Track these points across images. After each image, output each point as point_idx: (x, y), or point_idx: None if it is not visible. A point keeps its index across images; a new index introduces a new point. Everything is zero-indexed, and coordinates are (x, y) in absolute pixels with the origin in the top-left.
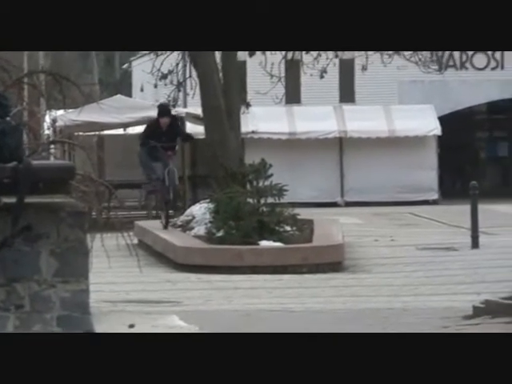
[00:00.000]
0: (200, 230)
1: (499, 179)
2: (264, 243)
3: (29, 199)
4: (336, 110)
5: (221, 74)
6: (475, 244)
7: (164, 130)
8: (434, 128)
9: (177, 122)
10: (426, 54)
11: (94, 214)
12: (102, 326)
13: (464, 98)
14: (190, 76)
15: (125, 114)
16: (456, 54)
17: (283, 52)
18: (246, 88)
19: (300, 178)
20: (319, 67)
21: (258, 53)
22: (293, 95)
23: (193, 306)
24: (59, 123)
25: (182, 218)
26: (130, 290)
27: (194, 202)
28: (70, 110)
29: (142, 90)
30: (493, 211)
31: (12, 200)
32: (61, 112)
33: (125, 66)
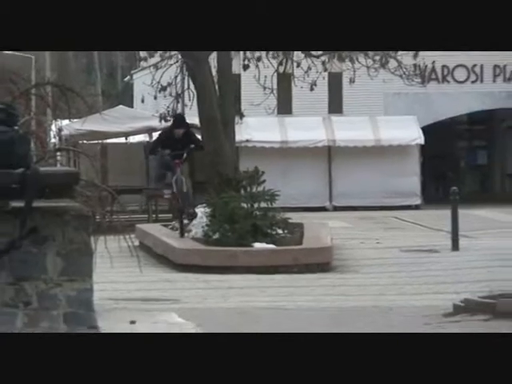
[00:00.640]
0: (197, 232)
1: (478, 186)
2: (257, 245)
3: (36, 203)
4: (325, 120)
5: (217, 87)
6: (455, 246)
7: (177, 138)
8: (417, 137)
9: (191, 132)
10: (410, 67)
11: (97, 217)
12: (104, 323)
13: (445, 110)
14: (188, 88)
15: (126, 124)
16: (438, 67)
17: (275, 65)
18: (240, 99)
19: (291, 184)
20: (309, 80)
21: (252, 66)
22: (284, 106)
23: (190, 303)
24: (65, 132)
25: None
26: (131, 289)
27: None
28: (75, 120)
29: (142, 101)
30: (472, 216)
31: (20, 204)
32: (66, 122)
33: (126, 78)
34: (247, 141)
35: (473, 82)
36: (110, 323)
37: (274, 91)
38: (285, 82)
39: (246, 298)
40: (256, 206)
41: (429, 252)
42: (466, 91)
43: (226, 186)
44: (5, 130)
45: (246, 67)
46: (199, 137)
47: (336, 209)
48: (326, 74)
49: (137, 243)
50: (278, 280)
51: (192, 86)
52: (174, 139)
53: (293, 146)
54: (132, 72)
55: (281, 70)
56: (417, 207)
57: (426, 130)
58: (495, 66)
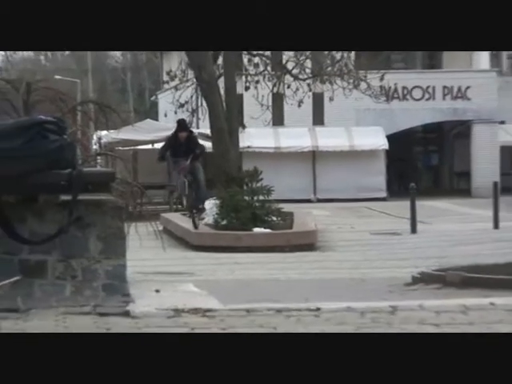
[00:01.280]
0: (209, 219)
1: (431, 182)
2: (257, 229)
3: (80, 197)
4: (310, 130)
5: (224, 104)
6: (414, 230)
7: (182, 142)
8: (382, 144)
9: (194, 136)
10: (377, 88)
11: (129, 208)
12: (135, 291)
13: (405, 122)
14: (202, 105)
15: (152, 134)
16: (399, 88)
17: (271, 87)
18: (242, 114)
19: (283, 181)
20: (297, 98)
21: (252, 88)
22: (278, 119)
23: (204, 276)
24: (103, 140)
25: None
26: (156, 265)
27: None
28: (112, 131)
29: (165, 115)
30: (427, 206)
31: (68, 198)
32: (105, 132)
33: (152, 97)
34: (248, 147)
35: (427, 99)
36: (139, 291)
37: (270, 107)
38: (278, 100)
39: (248, 272)
40: (255, 198)
41: (393, 234)
42: (421, 107)
43: (232, 183)
44: (56, 139)
45: (247, 88)
46: (201, 142)
47: (319, 200)
48: (310, 94)
49: (161, 228)
50: (274, 257)
51: (204, 104)
52: (179, 143)
53: (284, 151)
54: (157, 93)
55: (275, 90)
56: (383, 199)
57: (389, 138)
58: (444, 87)
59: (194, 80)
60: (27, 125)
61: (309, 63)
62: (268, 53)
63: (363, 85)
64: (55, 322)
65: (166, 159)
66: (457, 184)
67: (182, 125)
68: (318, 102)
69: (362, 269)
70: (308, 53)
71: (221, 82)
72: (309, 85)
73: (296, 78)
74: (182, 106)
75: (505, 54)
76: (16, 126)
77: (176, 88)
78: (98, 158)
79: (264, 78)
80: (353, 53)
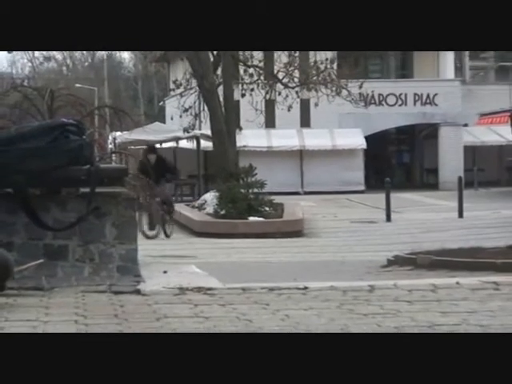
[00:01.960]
0: (210, 209)
1: (404, 177)
2: (251, 218)
3: (98, 189)
4: (298, 132)
5: (223, 109)
6: (388, 219)
7: (152, 165)
8: (361, 144)
9: (162, 158)
10: (357, 95)
11: (140, 199)
12: (145, 272)
13: (381, 124)
14: (203, 110)
15: (161, 135)
16: (376, 95)
17: (264, 94)
18: (239, 117)
19: (275, 176)
20: (287, 104)
21: (247, 94)
22: (270, 122)
23: (205, 259)
24: (118, 140)
25: (198, 201)
26: (164, 249)
27: (206, 191)
28: (125, 132)
29: (171, 119)
30: (399, 198)
31: (86, 190)
32: (119, 133)
33: (160, 103)
34: (244, 146)
35: (399, 105)
36: (149, 272)
37: (263, 112)
38: (270, 105)
39: (244, 255)
40: (250, 191)
41: (370, 223)
42: (395, 112)
43: (230, 178)
44: (76, 139)
45: (243, 95)
46: (203, 142)
47: (306, 193)
48: (298, 100)
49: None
50: (266, 243)
51: (206, 108)
52: (150, 165)
53: (275, 150)
54: (164, 99)
55: (267, 97)
56: (361, 192)
57: (367, 138)
58: (415, 94)
59: (197, 88)
60: (51, 127)
61: (297, 73)
62: (261, 64)
63: (344, 92)
64: (75, 298)
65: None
66: (426, 179)
67: (150, 149)
68: (305, 107)
69: (343, 252)
70: (296, 64)
71: (220, 90)
72: (297, 92)
73: (286, 86)
74: (186, 110)
75: (467, 65)
76: (41, 128)
77: (181, 95)
78: (113, 155)
79: (258, 86)
80: (335, 63)
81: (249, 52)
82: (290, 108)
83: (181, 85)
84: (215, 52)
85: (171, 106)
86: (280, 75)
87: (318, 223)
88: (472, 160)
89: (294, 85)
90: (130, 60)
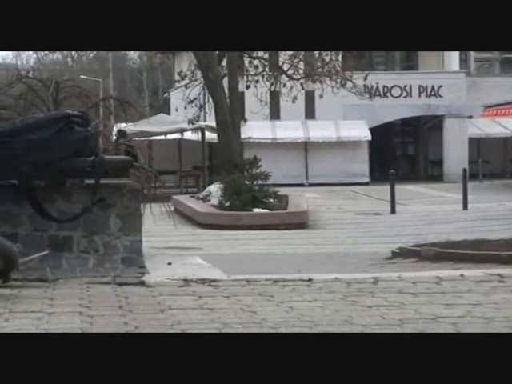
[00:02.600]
0: (214, 201)
1: (409, 169)
2: (256, 210)
3: (102, 181)
4: (303, 123)
5: (228, 100)
6: (393, 210)
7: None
8: (366, 135)
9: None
10: (362, 87)
11: (145, 190)
12: (149, 264)
13: (385, 116)
14: (208, 101)
15: (165, 126)
16: (380, 87)
17: (268, 85)
18: (244, 109)
19: (279, 168)
20: (292, 96)
21: (252, 86)
22: (275, 114)
23: (209, 250)
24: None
25: (203, 193)
26: (168, 240)
27: (211, 183)
28: (130, 123)
29: (176, 110)
30: (404, 190)
31: (91, 181)
32: (124, 124)
33: (165, 94)
34: (249, 138)
35: (404, 97)
36: (153, 264)
37: (268, 103)
38: (275, 97)
39: (248, 247)
40: (255, 183)
41: (375, 214)
42: (399, 103)
43: (234, 169)
44: (81, 130)
45: (248, 87)
46: (208, 133)
47: (310, 185)
48: (303, 92)
49: (172, 209)
50: (270, 234)
51: (211, 100)
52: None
53: (280, 142)
54: (169, 90)
55: (272, 88)
56: (366, 184)
57: (372, 130)
58: (420, 86)
59: (202, 79)
60: (56, 118)
61: (302, 65)
62: (266, 55)
63: (349, 84)
64: (79, 290)
65: None
66: (431, 171)
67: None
68: (309, 98)
69: (347, 244)
70: (301, 56)
71: (225, 82)
72: (302, 84)
73: (291, 77)
74: (191, 102)
75: (472, 57)
76: (46, 119)
77: (186, 86)
78: (118, 147)
79: (263, 77)
80: (340, 55)
81: None
82: (294, 100)
83: (186, 76)
84: None
85: (176, 97)
86: (285, 67)
87: (323, 215)
88: (477, 152)
89: (299, 76)
90: (135, 52)
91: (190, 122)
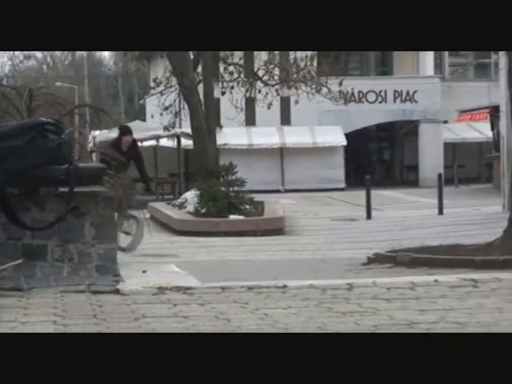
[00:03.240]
0: (190, 208)
1: (384, 174)
2: (232, 217)
3: (76, 189)
4: (278, 130)
5: (203, 107)
6: (369, 216)
7: (123, 151)
8: (341, 141)
9: (137, 144)
10: (337, 93)
11: (119, 198)
12: (124, 272)
13: (361, 122)
14: (184, 108)
15: (141, 133)
16: (356, 92)
17: (244, 92)
18: (219, 115)
19: (255, 174)
20: (267, 102)
21: (227, 92)
22: (250, 120)
23: (185, 257)
24: (98, 139)
25: (179, 200)
26: (144, 248)
27: (187, 189)
28: (105, 131)
29: (152, 117)
30: (380, 195)
31: (65, 189)
32: (98, 132)
33: (141, 101)
34: (225, 144)
35: (379, 102)
36: (128, 272)
37: (243, 110)
38: (250, 103)
39: (224, 254)
40: (231, 189)
41: (350, 220)
42: (375, 109)
43: (210, 176)
44: (55, 138)
45: (223, 93)
46: (184, 140)
47: (286, 191)
48: (278, 98)
49: (148, 216)
50: (246, 241)
51: (186, 107)
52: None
53: (256, 148)
54: (145, 97)
55: (247, 95)
56: (342, 189)
57: (347, 135)
58: (395, 91)
59: (177, 86)
60: (29, 126)
61: (277, 71)
62: (242, 62)
63: (324, 89)
64: (54, 299)
65: None
66: (406, 176)
67: (124, 130)
68: (285, 104)
69: (323, 250)
70: (276, 62)
71: (200, 88)
72: (277, 90)
73: (266, 83)
74: (166, 108)
75: (447, 62)
76: (20, 127)
77: (161, 93)
78: (93, 154)
79: (238, 84)
80: (315, 61)
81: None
82: (270, 106)
83: (161, 83)
84: None
85: (152, 104)
86: (260, 73)
87: (299, 221)
88: (452, 157)
89: (274, 82)
90: (111, 58)
91: (166, 128)
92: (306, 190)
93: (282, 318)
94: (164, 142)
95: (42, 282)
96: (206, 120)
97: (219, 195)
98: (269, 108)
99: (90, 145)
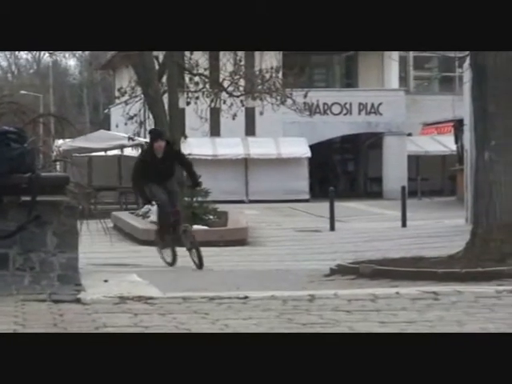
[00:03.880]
0: (154, 217)
1: (348, 186)
2: (196, 227)
3: (39, 198)
4: (243, 140)
5: (168, 117)
6: (332, 228)
7: (159, 158)
8: (306, 152)
9: (174, 148)
10: (301, 104)
11: (82, 207)
12: (86, 282)
13: (326, 133)
14: (148, 117)
15: (106, 142)
16: (321, 104)
17: (209, 102)
18: (184, 126)
19: (219, 184)
20: (232, 112)
21: (192, 102)
22: (215, 130)
23: (148, 267)
24: (62, 148)
25: (143, 210)
26: (107, 257)
27: None
28: (68, 140)
29: (117, 126)
30: (344, 207)
31: (28, 198)
32: (61, 141)
33: (106, 110)
34: (189, 154)
35: (344, 114)
36: (90, 281)
37: (208, 120)
38: (215, 114)
39: (186, 264)
40: (195, 199)
41: (314, 231)
42: (339, 121)
43: None
44: (18, 147)
45: (188, 103)
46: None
47: (251, 202)
48: (243, 109)
49: (112, 225)
50: (209, 251)
51: (151, 116)
52: (156, 160)
53: (221, 158)
54: (110, 106)
55: (212, 105)
56: (306, 200)
57: (312, 147)
58: (360, 104)
59: (142, 95)
60: None
61: (242, 82)
62: (207, 72)
63: (289, 101)
64: (14, 308)
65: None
66: (370, 188)
67: (156, 134)
68: (249, 115)
69: (286, 261)
70: (241, 73)
71: (165, 98)
72: (242, 101)
73: (231, 94)
74: (131, 118)
75: (412, 75)
76: None
77: (126, 102)
78: (57, 163)
79: (203, 94)
80: (280, 72)
81: (194, 60)
82: (234, 116)
83: (126, 92)
84: (160, 59)
85: (117, 113)
86: (225, 84)
87: (263, 232)
88: (416, 169)
89: (239, 93)
90: (76, 67)
91: (130, 138)
92: (270, 200)
93: (242, 329)
94: (128, 151)
95: (3, 290)
96: (171, 130)
97: (183, 205)
98: (233, 119)
99: (54, 153)
